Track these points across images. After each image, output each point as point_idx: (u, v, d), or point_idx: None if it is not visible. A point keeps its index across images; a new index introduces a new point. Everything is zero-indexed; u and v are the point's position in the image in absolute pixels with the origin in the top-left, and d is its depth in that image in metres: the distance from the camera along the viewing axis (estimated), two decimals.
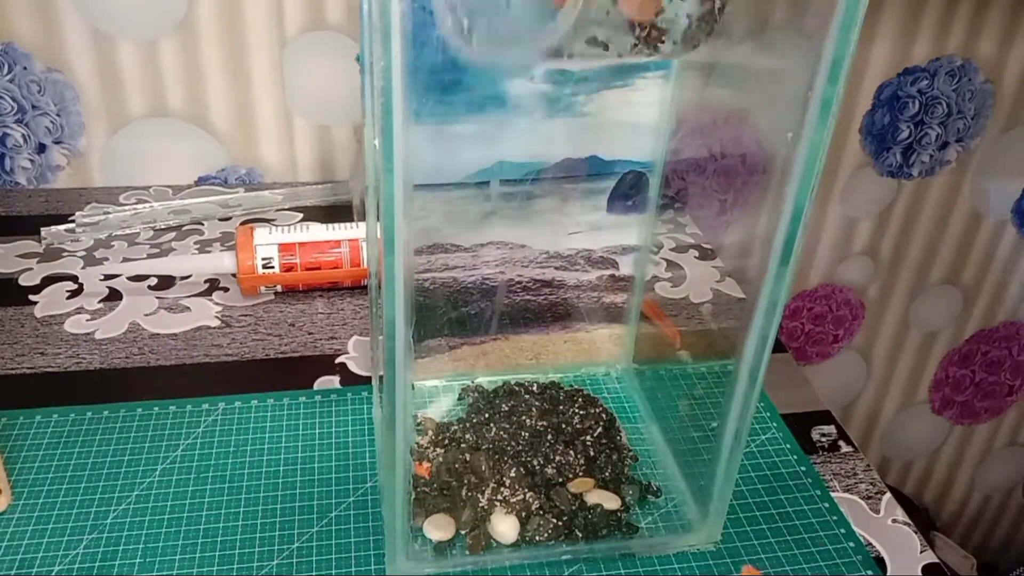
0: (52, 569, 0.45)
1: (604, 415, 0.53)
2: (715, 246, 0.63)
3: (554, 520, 0.47)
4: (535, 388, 0.56)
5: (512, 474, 0.48)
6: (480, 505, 0.47)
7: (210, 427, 0.55)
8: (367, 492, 0.50)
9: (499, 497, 0.48)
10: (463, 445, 0.50)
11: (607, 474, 0.50)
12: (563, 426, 0.52)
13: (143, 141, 0.84)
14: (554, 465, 0.49)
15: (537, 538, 0.46)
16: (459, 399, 0.57)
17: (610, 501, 0.48)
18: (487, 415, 0.53)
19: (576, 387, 0.56)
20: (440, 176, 0.50)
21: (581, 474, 0.49)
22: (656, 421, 0.56)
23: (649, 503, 0.50)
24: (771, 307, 0.40)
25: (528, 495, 0.48)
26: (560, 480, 0.49)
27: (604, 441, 0.52)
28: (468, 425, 0.52)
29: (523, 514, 0.47)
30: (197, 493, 0.50)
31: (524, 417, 0.52)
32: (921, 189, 1.09)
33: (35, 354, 0.61)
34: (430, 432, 0.53)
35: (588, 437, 0.52)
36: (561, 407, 0.54)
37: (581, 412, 0.53)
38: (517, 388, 0.56)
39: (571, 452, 0.50)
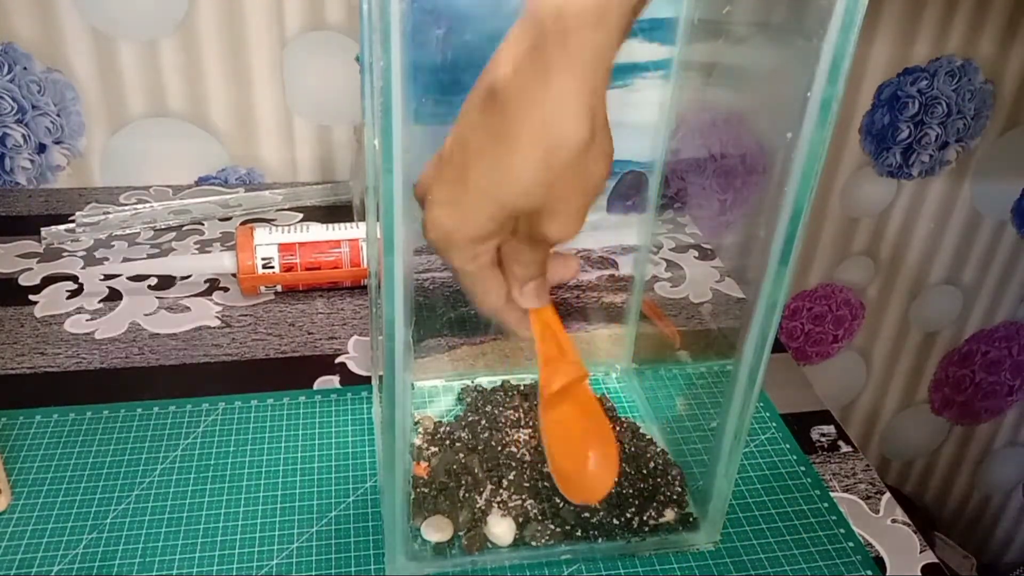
0: (52, 569, 0.45)
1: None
2: (715, 246, 0.63)
3: (552, 527, 0.47)
4: (535, 389, 0.56)
5: (511, 476, 0.48)
6: (477, 506, 0.47)
7: (210, 427, 0.55)
8: (367, 492, 0.50)
9: (497, 499, 0.47)
10: (458, 444, 0.50)
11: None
12: None
13: (143, 141, 0.84)
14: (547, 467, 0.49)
15: (533, 543, 0.46)
16: (458, 399, 0.57)
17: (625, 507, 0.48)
18: (485, 415, 0.53)
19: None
20: None
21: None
22: (656, 421, 0.56)
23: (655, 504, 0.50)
24: (771, 307, 0.40)
25: (526, 499, 0.47)
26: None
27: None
28: (463, 424, 0.52)
29: (520, 519, 0.47)
30: (197, 493, 0.50)
31: (520, 418, 0.52)
32: (921, 189, 1.09)
33: (35, 354, 0.61)
34: (424, 431, 0.52)
35: None
36: None
37: None
38: (516, 388, 0.56)
39: None
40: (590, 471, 0.44)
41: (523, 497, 0.48)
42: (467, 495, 0.48)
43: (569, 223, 0.36)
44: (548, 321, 0.42)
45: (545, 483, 0.48)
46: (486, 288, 0.39)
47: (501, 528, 0.47)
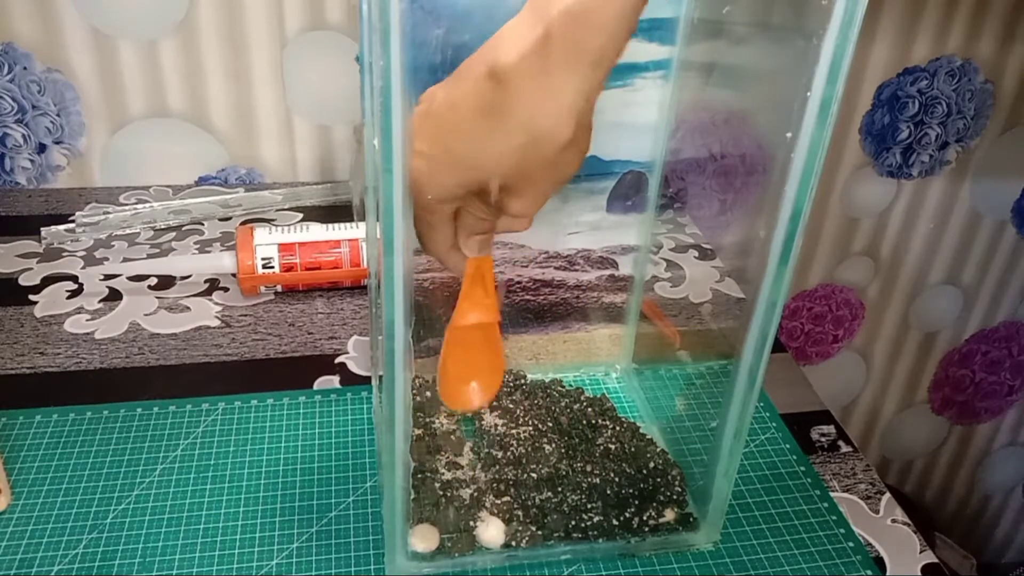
0: (52, 569, 0.45)
1: (615, 422, 0.53)
2: (715, 246, 0.63)
3: (538, 532, 0.46)
4: (537, 389, 0.56)
5: (508, 474, 0.48)
6: (463, 503, 0.47)
7: (210, 427, 0.55)
8: (367, 492, 0.50)
9: (485, 501, 0.47)
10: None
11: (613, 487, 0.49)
12: (563, 427, 0.52)
13: (143, 141, 0.84)
14: (547, 467, 0.49)
15: (522, 545, 0.46)
16: None
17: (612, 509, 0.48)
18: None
19: (578, 387, 0.56)
20: None
21: (582, 480, 0.49)
22: (656, 421, 0.56)
23: (656, 507, 0.50)
24: (770, 307, 0.40)
25: (523, 499, 0.47)
26: (556, 481, 0.49)
27: (614, 447, 0.52)
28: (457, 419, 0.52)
29: (510, 520, 0.47)
30: (197, 493, 0.50)
31: (519, 416, 0.52)
32: (921, 189, 1.09)
33: (35, 354, 0.61)
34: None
35: (581, 441, 0.52)
36: (556, 407, 0.54)
37: (578, 410, 0.53)
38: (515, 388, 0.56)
39: (568, 460, 0.50)
40: (470, 387, 0.51)
41: (520, 497, 0.47)
42: (451, 492, 0.47)
43: (530, 203, 0.40)
44: (483, 269, 0.47)
45: (540, 487, 0.48)
46: (436, 236, 0.43)
47: (490, 532, 0.46)
